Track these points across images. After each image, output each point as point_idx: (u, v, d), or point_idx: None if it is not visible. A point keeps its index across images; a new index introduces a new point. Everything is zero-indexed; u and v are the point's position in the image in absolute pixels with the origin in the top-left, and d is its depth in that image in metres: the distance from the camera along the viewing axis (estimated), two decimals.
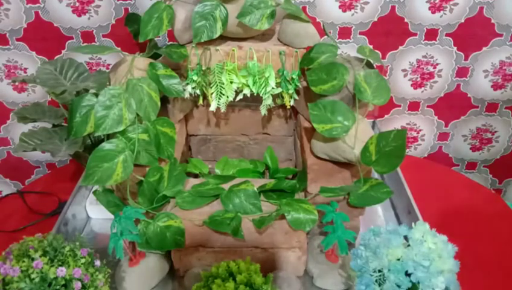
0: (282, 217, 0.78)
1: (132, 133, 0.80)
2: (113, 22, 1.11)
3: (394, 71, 1.22)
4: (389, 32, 1.15)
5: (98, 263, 0.69)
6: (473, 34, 1.15)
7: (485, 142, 1.36)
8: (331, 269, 0.83)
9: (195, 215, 0.80)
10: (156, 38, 0.94)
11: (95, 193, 0.84)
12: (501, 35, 1.15)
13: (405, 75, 1.23)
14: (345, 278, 0.82)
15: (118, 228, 0.76)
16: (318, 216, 0.78)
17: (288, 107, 0.91)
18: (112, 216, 0.79)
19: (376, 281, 0.65)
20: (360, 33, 1.15)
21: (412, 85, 1.25)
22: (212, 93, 0.89)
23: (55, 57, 1.16)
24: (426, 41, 1.16)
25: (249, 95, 0.89)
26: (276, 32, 0.90)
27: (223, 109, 0.89)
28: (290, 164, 1.08)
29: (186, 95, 0.88)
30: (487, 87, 1.25)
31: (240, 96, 0.89)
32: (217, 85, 0.87)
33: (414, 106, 1.29)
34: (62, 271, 0.62)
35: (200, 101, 0.93)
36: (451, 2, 1.10)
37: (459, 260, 0.67)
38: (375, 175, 1.00)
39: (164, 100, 0.88)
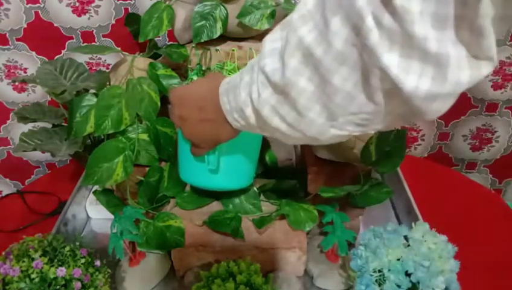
0: (282, 217, 0.78)
1: (132, 133, 0.80)
2: (113, 22, 1.11)
3: None
4: None
5: (98, 263, 0.69)
6: None
7: (485, 142, 1.36)
8: (331, 269, 0.83)
9: (195, 215, 0.80)
10: (156, 38, 0.93)
11: (95, 193, 0.84)
12: None
13: None
14: (345, 278, 0.82)
15: (118, 228, 0.76)
16: (318, 216, 0.78)
17: None
18: (112, 216, 0.79)
19: (376, 281, 0.65)
20: None
21: None
22: None
23: (55, 57, 1.15)
24: None
25: None
26: None
27: None
28: (290, 164, 1.08)
29: None
30: (487, 87, 1.25)
31: None
32: None
33: None
34: (62, 271, 0.62)
35: None
36: None
37: (459, 260, 0.67)
38: (375, 175, 1.00)
39: (164, 100, 0.88)
